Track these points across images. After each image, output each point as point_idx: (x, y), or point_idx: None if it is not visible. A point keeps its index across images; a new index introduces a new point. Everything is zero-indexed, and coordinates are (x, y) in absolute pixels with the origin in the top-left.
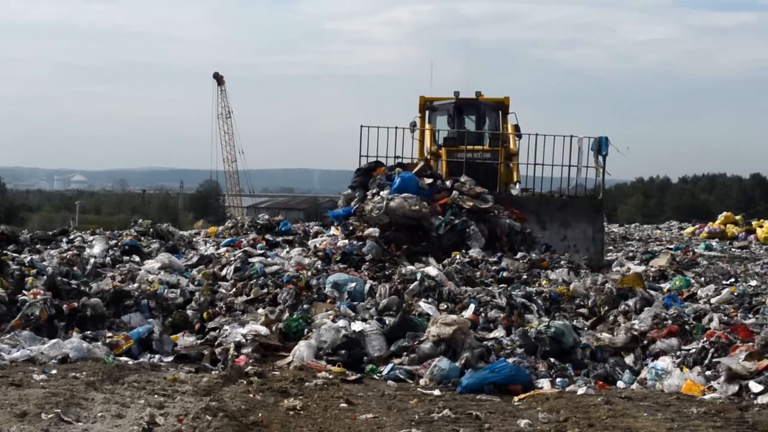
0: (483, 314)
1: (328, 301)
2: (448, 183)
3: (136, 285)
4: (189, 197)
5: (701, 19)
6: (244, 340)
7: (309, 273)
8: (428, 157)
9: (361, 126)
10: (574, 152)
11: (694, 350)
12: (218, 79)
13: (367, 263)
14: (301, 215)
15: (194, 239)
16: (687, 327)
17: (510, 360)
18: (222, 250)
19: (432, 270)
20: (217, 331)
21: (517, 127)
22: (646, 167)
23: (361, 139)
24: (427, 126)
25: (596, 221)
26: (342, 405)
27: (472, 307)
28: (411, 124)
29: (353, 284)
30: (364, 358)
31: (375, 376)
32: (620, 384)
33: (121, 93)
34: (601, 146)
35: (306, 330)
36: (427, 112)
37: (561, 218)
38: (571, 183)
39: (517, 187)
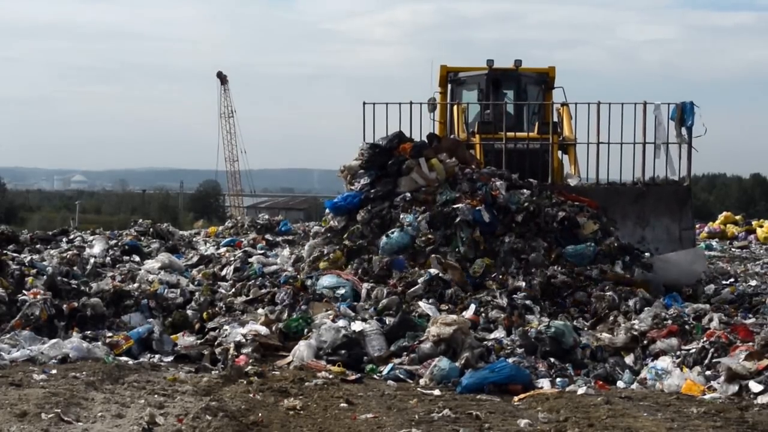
0: (483, 314)
1: (324, 300)
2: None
3: (136, 285)
4: (189, 197)
5: (701, 19)
6: (244, 340)
7: (302, 274)
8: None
9: (364, 103)
10: (650, 124)
11: (694, 350)
12: (222, 78)
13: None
14: (301, 215)
15: (194, 239)
16: (687, 327)
17: (510, 360)
18: (222, 250)
19: (432, 270)
20: (217, 331)
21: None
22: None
23: (365, 120)
24: (448, 104)
25: (683, 216)
26: (342, 405)
27: (472, 307)
28: (429, 101)
29: (343, 289)
30: (364, 358)
31: (375, 376)
32: (620, 384)
33: (121, 93)
34: (684, 115)
35: (306, 330)
36: (450, 87)
37: (636, 213)
38: (648, 166)
39: (576, 179)
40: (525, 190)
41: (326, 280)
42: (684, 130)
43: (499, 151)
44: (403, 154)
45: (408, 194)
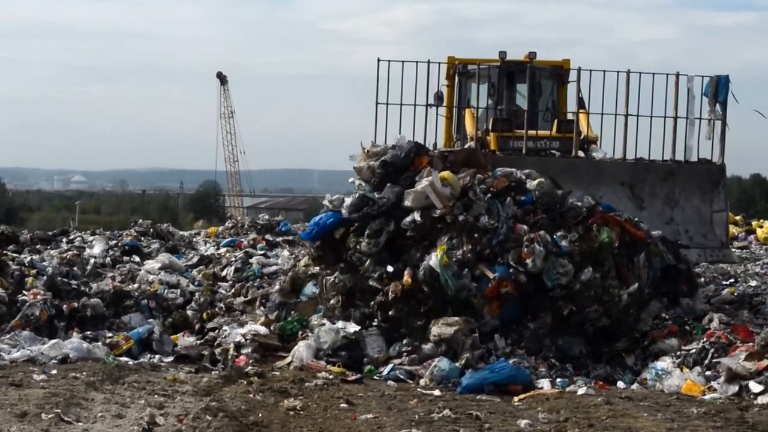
0: None
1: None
2: None
3: (136, 285)
4: (189, 197)
5: (701, 19)
6: (243, 341)
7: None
8: (475, 138)
9: (379, 60)
10: (682, 98)
11: (694, 350)
12: (221, 78)
13: None
14: (301, 215)
15: (194, 239)
16: (687, 327)
17: (510, 360)
18: (222, 250)
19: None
20: (217, 331)
21: (581, 102)
22: None
23: (378, 80)
24: (455, 98)
25: (715, 196)
26: (342, 405)
27: None
28: (435, 95)
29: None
30: (364, 359)
31: (375, 377)
32: (620, 384)
33: (121, 93)
34: (719, 89)
35: (300, 332)
36: (457, 80)
37: (665, 193)
38: (679, 142)
39: (602, 152)
40: (565, 261)
41: (309, 289)
42: (718, 106)
43: (516, 150)
44: (418, 168)
45: (417, 216)
